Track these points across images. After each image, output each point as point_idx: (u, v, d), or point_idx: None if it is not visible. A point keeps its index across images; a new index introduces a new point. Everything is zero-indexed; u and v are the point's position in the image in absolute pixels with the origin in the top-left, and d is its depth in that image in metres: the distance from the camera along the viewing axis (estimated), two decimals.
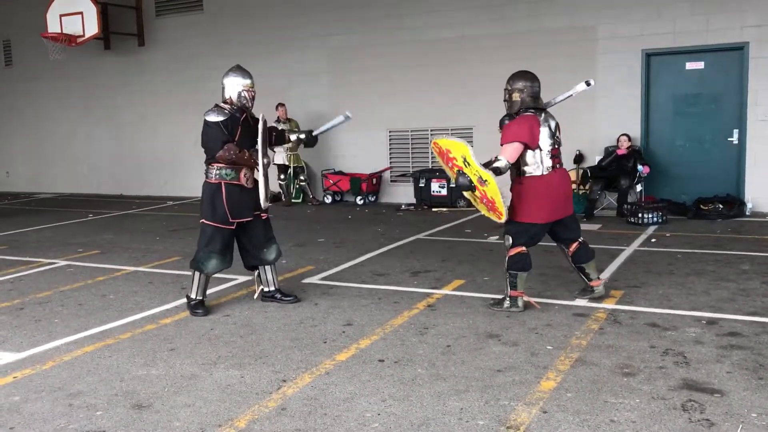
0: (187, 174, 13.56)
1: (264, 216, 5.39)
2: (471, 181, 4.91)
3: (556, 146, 5.10)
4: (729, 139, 9.62)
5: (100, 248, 8.16)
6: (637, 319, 4.78)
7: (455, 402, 3.54)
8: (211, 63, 12.91)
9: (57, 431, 3.36)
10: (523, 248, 5.05)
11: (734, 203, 9.08)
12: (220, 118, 5.09)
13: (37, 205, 12.96)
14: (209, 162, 5.18)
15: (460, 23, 10.90)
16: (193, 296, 5.30)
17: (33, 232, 9.57)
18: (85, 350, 4.51)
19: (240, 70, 5.26)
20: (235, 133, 5.12)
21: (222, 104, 5.21)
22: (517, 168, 5.03)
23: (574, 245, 5.21)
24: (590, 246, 5.31)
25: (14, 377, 4.07)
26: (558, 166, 5.10)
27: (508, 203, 5.04)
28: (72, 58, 13.67)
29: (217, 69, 12.69)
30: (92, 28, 12.54)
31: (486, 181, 4.81)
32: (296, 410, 3.50)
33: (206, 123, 5.13)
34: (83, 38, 12.64)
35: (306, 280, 6.23)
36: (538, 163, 5.00)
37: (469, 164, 4.86)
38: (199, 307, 5.27)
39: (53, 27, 12.66)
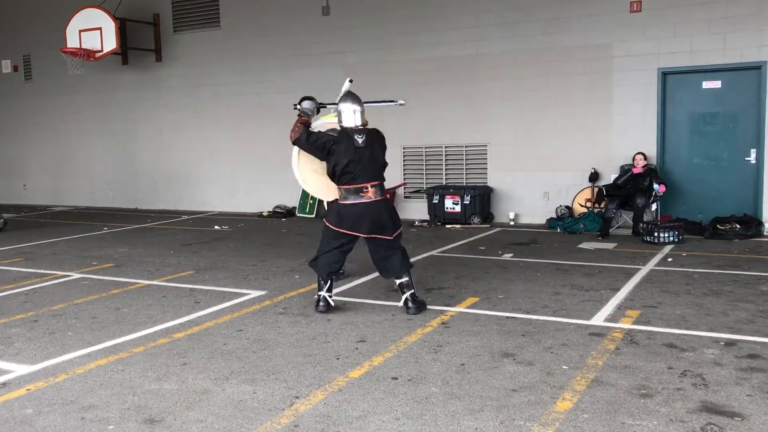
0: (201, 189, 13.67)
1: None
2: None
3: None
4: (746, 158, 9.54)
5: (115, 262, 8.20)
6: (654, 340, 4.72)
7: (470, 421, 3.49)
8: (227, 79, 13.06)
9: None
10: None
11: (752, 223, 8.99)
12: None
13: (53, 218, 13.05)
14: (383, 179, 5.69)
15: (474, 41, 10.93)
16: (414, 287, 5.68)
17: (48, 245, 9.63)
18: (98, 363, 4.51)
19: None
20: None
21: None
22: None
23: None
24: None
25: (27, 389, 4.07)
26: None
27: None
28: (90, 73, 13.83)
29: (234, 85, 13.04)
30: (110, 43, 12.69)
31: None
32: (309, 427, 3.47)
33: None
34: (101, 53, 12.80)
35: None
36: None
37: None
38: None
39: (72, 42, 12.82)
